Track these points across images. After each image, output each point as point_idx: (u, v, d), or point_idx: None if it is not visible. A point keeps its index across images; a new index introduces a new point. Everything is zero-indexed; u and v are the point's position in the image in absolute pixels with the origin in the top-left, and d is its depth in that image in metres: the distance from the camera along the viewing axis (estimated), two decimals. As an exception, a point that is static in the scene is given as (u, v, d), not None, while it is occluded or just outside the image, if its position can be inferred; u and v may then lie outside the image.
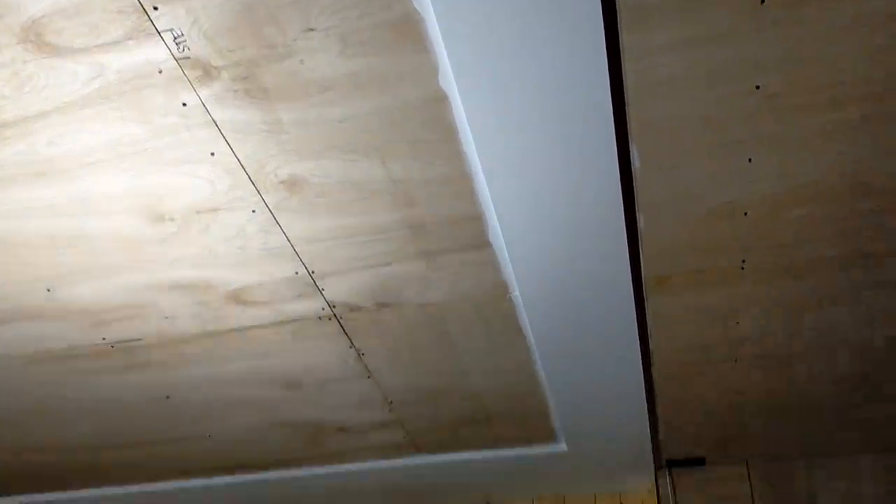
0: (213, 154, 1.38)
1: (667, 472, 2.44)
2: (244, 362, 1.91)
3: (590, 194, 1.44)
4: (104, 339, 1.82)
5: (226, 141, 1.35)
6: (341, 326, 1.80)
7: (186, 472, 2.39)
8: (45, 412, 2.09)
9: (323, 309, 1.75)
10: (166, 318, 1.75)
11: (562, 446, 2.27)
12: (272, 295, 1.71)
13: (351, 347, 1.87)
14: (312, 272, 1.64)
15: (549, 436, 2.24)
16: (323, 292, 1.70)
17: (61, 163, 1.40)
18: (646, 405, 2.07)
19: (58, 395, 2.02)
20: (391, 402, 2.07)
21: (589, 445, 2.25)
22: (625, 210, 1.48)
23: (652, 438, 2.25)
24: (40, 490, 2.53)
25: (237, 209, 1.49)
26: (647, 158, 1.39)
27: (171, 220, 1.51)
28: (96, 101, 1.29)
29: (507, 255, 1.59)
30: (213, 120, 1.32)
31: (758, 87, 1.27)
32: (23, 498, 2.57)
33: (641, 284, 1.70)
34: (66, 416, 2.10)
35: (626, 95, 1.29)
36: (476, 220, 1.52)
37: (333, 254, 1.60)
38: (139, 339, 1.82)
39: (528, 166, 1.39)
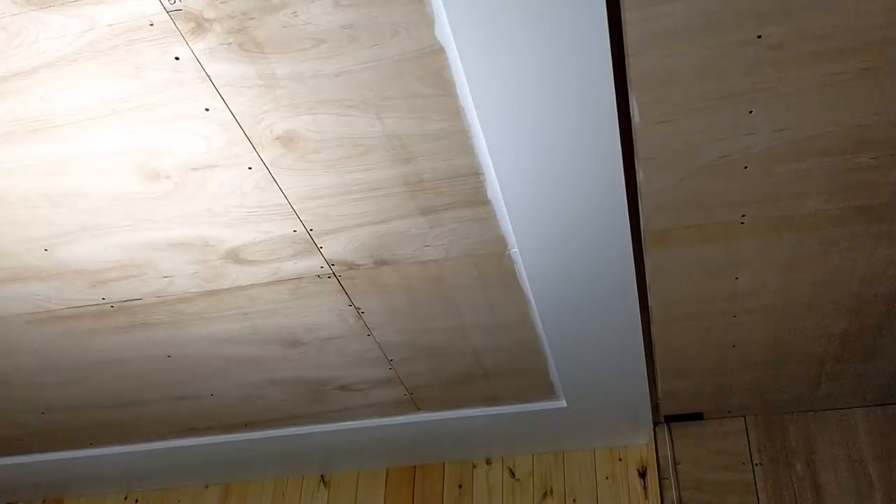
0: (207, 110, 1.36)
1: (665, 427, 2.46)
2: (244, 321, 1.91)
3: (589, 148, 1.43)
4: (104, 298, 1.82)
5: (220, 96, 1.34)
6: (340, 285, 1.80)
7: (189, 431, 2.41)
8: (46, 372, 2.09)
9: (322, 267, 1.75)
10: (165, 277, 1.75)
11: (561, 402, 2.29)
12: (270, 253, 1.70)
13: (350, 305, 1.87)
14: (311, 230, 1.64)
15: (549, 392, 2.25)
16: (321, 250, 1.70)
17: (55, 119, 1.38)
18: (644, 361, 2.08)
19: (60, 356, 2.02)
20: (391, 360, 2.08)
21: (588, 401, 2.26)
22: (624, 164, 1.47)
23: (651, 394, 2.26)
24: (42, 450, 2.55)
25: (233, 166, 1.48)
26: (647, 111, 1.37)
27: (168, 177, 1.50)
28: (88, 55, 1.27)
29: (505, 210, 1.58)
30: (207, 74, 1.30)
31: (759, 37, 1.25)
32: (27, 457, 2.59)
33: (640, 239, 1.69)
34: (67, 376, 2.11)
35: (625, 47, 1.27)
36: (474, 175, 1.51)
37: (331, 211, 1.59)
38: (139, 299, 1.82)
39: (527, 120, 1.38)
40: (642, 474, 2.45)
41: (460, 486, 2.55)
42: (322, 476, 2.68)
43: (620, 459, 2.48)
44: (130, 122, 1.39)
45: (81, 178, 1.50)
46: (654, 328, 1.99)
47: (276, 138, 1.42)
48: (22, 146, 1.44)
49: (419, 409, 2.31)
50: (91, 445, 2.50)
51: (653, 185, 1.53)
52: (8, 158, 1.46)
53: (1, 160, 1.46)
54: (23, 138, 1.42)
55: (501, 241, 1.68)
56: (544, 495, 2.48)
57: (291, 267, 1.74)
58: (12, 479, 2.74)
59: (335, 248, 1.69)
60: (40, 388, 2.18)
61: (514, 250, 1.70)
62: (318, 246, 1.68)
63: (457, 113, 1.38)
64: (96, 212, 1.57)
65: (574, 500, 2.45)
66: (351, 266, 1.75)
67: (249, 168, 1.48)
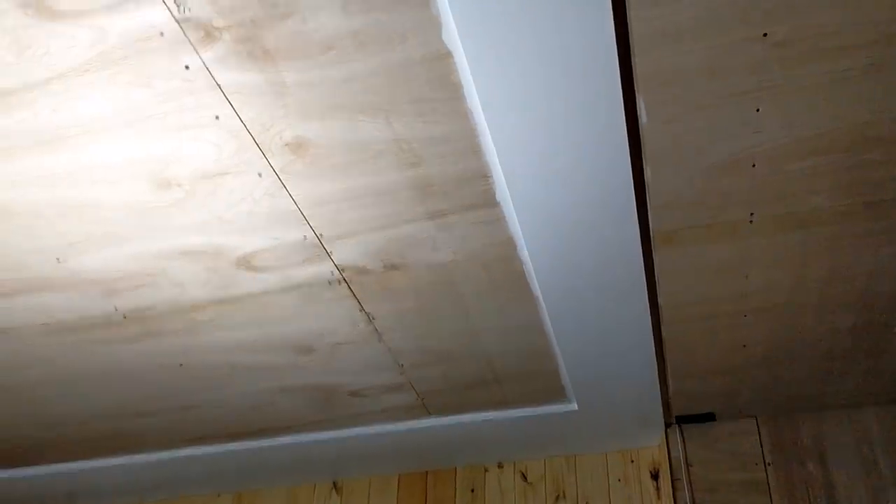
0: (217, 118, 1.38)
1: (677, 429, 2.46)
2: (255, 328, 1.92)
3: (597, 148, 1.43)
4: (116, 308, 1.83)
5: (230, 104, 1.35)
6: (351, 290, 1.81)
7: (201, 439, 2.42)
8: (59, 383, 2.10)
9: (332, 273, 1.75)
10: (177, 285, 1.76)
11: (572, 405, 2.29)
12: (281, 260, 1.71)
13: (361, 311, 1.88)
14: (321, 235, 1.65)
15: (560, 395, 2.25)
16: (332, 256, 1.70)
17: (66, 130, 1.39)
18: (655, 362, 2.08)
19: (72, 366, 2.03)
20: (402, 365, 2.08)
21: (599, 403, 2.26)
22: (632, 164, 1.48)
23: (661, 395, 2.26)
24: (56, 461, 2.56)
25: (243, 173, 1.49)
26: (654, 111, 1.38)
27: (178, 185, 1.51)
28: (98, 66, 1.28)
29: (514, 212, 1.59)
30: (217, 83, 1.31)
31: (765, 35, 1.26)
32: (38, 469, 2.60)
33: (650, 239, 1.70)
34: (80, 387, 2.12)
35: (631, 47, 1.28)
36: (483, 178, 1.52)
37: (341, 216, 1.60)
38: (151, 308, 1.83)
39: (535, 122, 1.39)
40: (655, 476, 2.44)
41: (472, 491, 2.55)
42: (334, 482, 2.68)
43: (632, 461, 2.48)
44: (141, 132, 1.40)
45: (93, 188, 1.51)
46: (664, 329, 1.99)
47: (286, 145, 1.43)
48: (33, 157, 1.45)
49: (430, 414, 2.32)
50: (102, 456, 2.51)
51: (661, 185, 1.54)
52: (19, 170, 1.47)
53: (12, 171, 1.47)
54: (34, 150, 1.43)
55: (511, 243, 1.69)
56: (557, 498, 2.48)
57: (302, 273, 1.75)
58: (23, 491, 2.75)
59: (345, 253, 1.70)
60: (52, 399, 2.19)
61: (524, 252, 1.70)
62: (329, 251, 1.69)
63: (464, 116, 1.39)
64: (108, 221, 1.58)
65: (587, 503, 2.45)
66: (361, 271, 1.75)
67: (259, 175, 1.49)
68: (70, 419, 2.29)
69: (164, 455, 2.51)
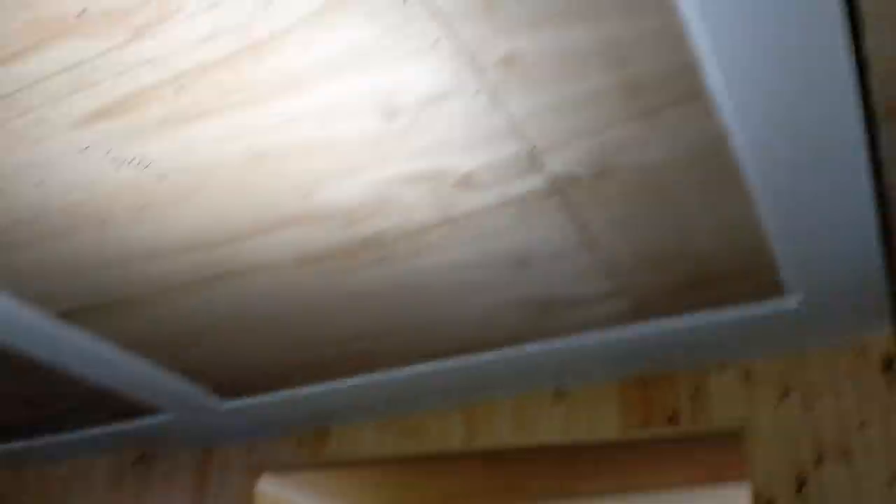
0: (435, 43, 1.49)
1: (910, 317, 2.36)
2: (476, 245, 2.05)
3: (809, 19, 1.41)
4: (356, 236, 2.02)
5: (446, 28, 1.45)
6: (563, 200, 1.89)
7: (427, 356, 2.62)
8: (307, 311, 2.36)
9: (545, 184, 1.84)
10: (406, 209, 1.92)
11: (792, 301, 2.26)
12: (497, 176, 1.82)
13: (573, 220, 1.96)
14: (534, 148, 1.73)
15: (779, 291, 2.23)
16: (545, 167, 1.79)
17: (305, 73, 1.56)
18: (881, 249, 2.01)
19: (318, 294, 2.27)
20: (616, 272, 2.15)
21: (821, 296, 2.22)
22: (851, 32, 1.44)
23: (890, 283, 2.18)
24: (304, 384, 2.88)
25: (460, 94, 1.60)
26: (873, -26, 1.34)
27: (404, 113, 1.64)
28: (332, 8, 1.42)
29: (724, 102, 1.59)
30: (434, 10, 1.42)
31: None
32: (290, 392, 2.93)
33: (871, 116, 1.64)
34: (325, 313, 2.37)
35: None
36: (691, 70, 1.54)
37: (552, 126, 1.68)
38: (384, 233, 2.01)
39: (742, 5, 1.38)
40: (887, 367, 2.37)
41: (695, 393, 2.59)
42: (557, 391, 2.81)
43: (860, 355, 2.41)
44: (370, 67, 1.54)
45: (331, 125, 1.68)
46: (892, 212, 1.92)
47: (499, 61, 1.52)
48: (280, 102, 1.63)
49: (647, 319, 2.37)
50: (344, 376, 2.79)
51: (882, 52, 1.48)
52: (268, 115, 1.66)
53: (263, 117, 1.67)
54: (280, 95, 1.61)
55: (722, 136, 1.69)
56: (782, 396, 2.47)
57: (517, 187, 1.85)
58: (278, 414, 3.11)
59: (557, 163, 1.78)
60: (300, 326, 2.46)
61: (736, 144, 1.70)
62: (542, 162, 1.78)
63: (671, 9, 1.41)
64: (345, 155, 1.75)
65: (814, 399, 2.42)
66: (573, 180, 1.83)
67: (475, 94, 1.60)
68: (315, 343, 2.56)
69: (392, 375, 2.74)
